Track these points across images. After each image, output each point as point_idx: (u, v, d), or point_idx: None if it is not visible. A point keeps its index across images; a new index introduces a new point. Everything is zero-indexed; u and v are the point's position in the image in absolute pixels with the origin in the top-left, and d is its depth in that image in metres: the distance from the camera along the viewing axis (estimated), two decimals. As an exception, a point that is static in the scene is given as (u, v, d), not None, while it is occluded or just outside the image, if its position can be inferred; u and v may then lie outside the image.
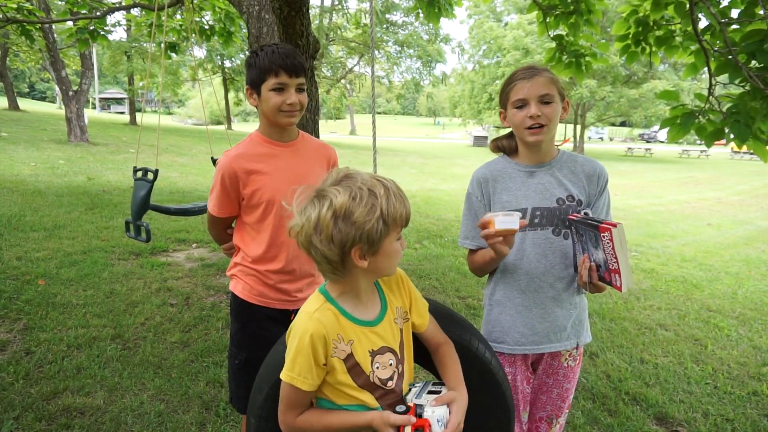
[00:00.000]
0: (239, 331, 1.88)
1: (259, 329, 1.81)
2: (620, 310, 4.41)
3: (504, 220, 1.33)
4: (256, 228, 1.79)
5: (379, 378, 1.19)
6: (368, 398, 1.18)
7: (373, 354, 1.19)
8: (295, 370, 1.11)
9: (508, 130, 1.64)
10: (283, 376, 1.13)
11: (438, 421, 1.12)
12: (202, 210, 4.19)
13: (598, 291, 1.46)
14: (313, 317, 1.14)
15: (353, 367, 1.16)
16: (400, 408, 1.15)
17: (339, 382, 1.16)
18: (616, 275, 1.30)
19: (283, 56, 1.66)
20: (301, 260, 1.80)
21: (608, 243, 1.29)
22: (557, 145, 1.62)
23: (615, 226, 1.28)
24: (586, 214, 1.52)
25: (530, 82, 1.47)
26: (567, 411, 1.70)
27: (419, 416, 1.14)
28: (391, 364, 1.21)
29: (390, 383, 1.20)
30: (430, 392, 1.22)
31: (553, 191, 1.54)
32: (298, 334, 1.13)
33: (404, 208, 1.12)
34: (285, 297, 1.83)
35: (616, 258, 1.28)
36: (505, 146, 1.64)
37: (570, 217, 1.49)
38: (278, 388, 1.23)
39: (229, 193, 1.75)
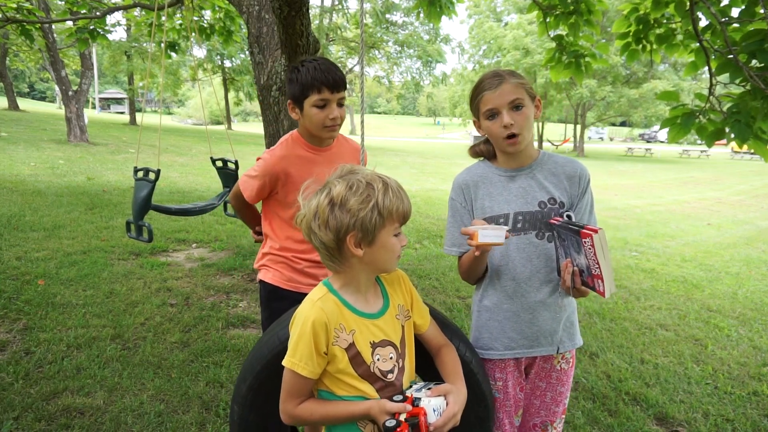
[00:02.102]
0: (269, 319, 1.96)
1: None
2: (620, 310, 4.41)
3: (488, 234, 1.32)
4: (290, 222, 1.89)
5: (379, 369, 1.21)
6: (368, 389, 1.20)
7: (374, 345, 1.21)
8: (297, 356, 1.14)
9: None
10: (285, 362, 1.16)
11: (434, 410, 1.14)
12: (203, 210, 4.20)
13: (581, 295, 1.43)
14: (316, 305, 1.17)
15: (354, 356, 1.19)
16: (398, 397, 1.17)
17: (340, 370, 1.18)
18: (599, 280, 1.28)
19: (325, 72, 1.71)
20: None
21: (590, 249, 1.27)
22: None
23: (596, 231, 1.25)
24: (569, 216, 1.49)
25: (497, 90, 1.44)
26: (562, 416, 1.67)
27: (415, 406, 1.15)
28: (391, 358, 1.23)
29: (390, 376, 1.22)
30: (429, 389, 1.23)
31: (534, 195, 1.53)
32: (300, 320, 1.16)
33: (401, 204, 1.15)
34: (314, 281, 1.91)
35: (598, 263, 1.27)
36: (484, 151, 1.63)
37: (551, 221, 1.46)
38: (261, 378, 1.30)
39: (264, 187, 1.85)
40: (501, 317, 1.57)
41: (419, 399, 1.16)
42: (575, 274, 1.38)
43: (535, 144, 1.85)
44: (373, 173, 1.17)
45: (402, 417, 1.11)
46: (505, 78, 1.46)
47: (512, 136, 1.46)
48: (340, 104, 1.79)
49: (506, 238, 1.34)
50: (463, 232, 1.38)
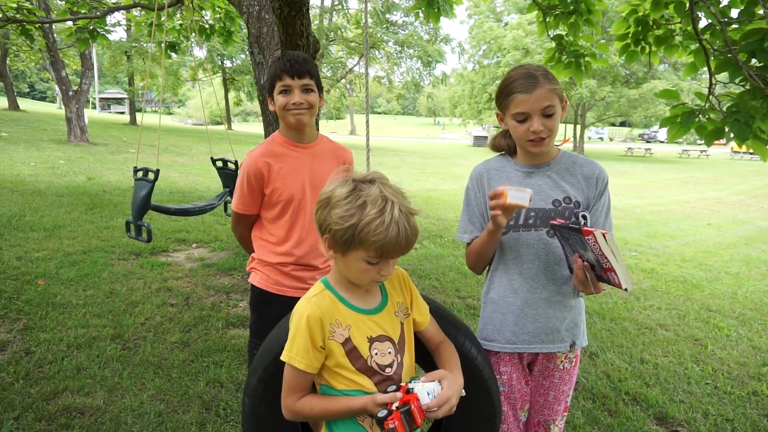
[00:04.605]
0: (257, 322, 1.98)
1: (277, 318, 1.86)
2: (620, 310, 4.41)
3: (517, 195, 1.34)
4: (274, 223, 1.90)
5: (377, 363, 1.22)
6: (366, 382, 1.21)
7: (372, 340, 1.23)
8: (294, 351, 1.17)
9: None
10: (283, 356, 1.19)
11: (428, 393, 1.15)
12: (203, 210, 4.20)
13: (598, 291, 1.42)
14: (311, 301, 1.20)
15: (351, 350, 1.20)
16: (391, 387, 1.19)
17: (338, 364, 1.20)
18: (612, 273, 1.30)
19: (285, 61, 1.80)
20: (315, 252, 1.92)
21: (594, 245, 1.29)
22: (557, 146, 1.62)
23: (600, 231, 1.27)
24: (584, 216, 1.51)
25: (531, 96, 1.42)
26: (565, 414, 1.69)
27: (408, 393, 1.16)
28: (390, 352, 1.24)
29: (389, 370, 1.23)
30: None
31: (549, 192, 1.54)
32: (296, 316, 1.20)
33: (384, 239, 1.08)
34: (301, 284, 1.91)
35: (606, 258, 1.29)
36: (503, 146, 1.63)
37: (552, 222, 1.47)
38: (270, 371, 1.33)
39: (253, 190, 1.86)
40: (505, 310, 1.59)
41: (413, 388, 1.17)
42: (587, 267, 1.39)
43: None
44: (386, 195, 1.11)
45: (394, 406, 1.13)
46: (540, 82, 1.43)
47: (539, 139, 1.46)
48: (306, 90, 1.83)
49: (530, 200, 1.36)
50: (493, 193, 1.37)
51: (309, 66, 1.82)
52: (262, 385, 1.37)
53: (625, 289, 1.31)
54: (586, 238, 1.29)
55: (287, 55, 1.83)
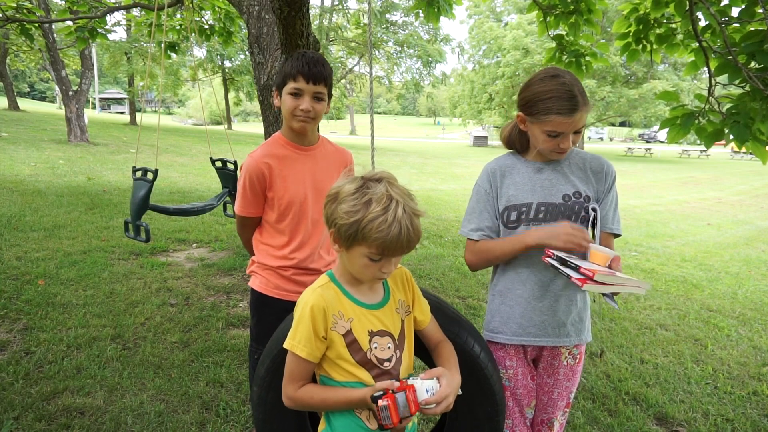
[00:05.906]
0: (257, 325, 1.97)
1: (278, 322, 1.85)
2: (620, 310, 4.41)
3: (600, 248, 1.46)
4: (275, 226, 1.88)
5: (376, 357, 1.25)
6: (365, 375, 1.23)
7: (372, 334, 1.25)
8: (296, 338, 1.20)
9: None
10: (285, 344, 1.21)
11: (427, 391, 1.17)
12: (201, 210, 4.20)
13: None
14: (316, 291, 1.24)
15: (352, 342, 1.23)
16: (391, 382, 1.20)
17: (338, 356, 1.22)
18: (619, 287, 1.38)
19: (304, 63, 1.72)
20: (316, 256, 1.91)
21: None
22: None
23: (591, 277, 1.30)
24: (594, 209, 1.55)
25: (571, 119, 1.43)
26: (567, 410, 1.70)
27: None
28: (389, 348, 1.27)
29: (387, 364, 1.26)
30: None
31: (559, 187, 1.56)
32: (300, 305, 1.23)
33: (385, 237, 1.11)
34: (301, 289, 1.89)
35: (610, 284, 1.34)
36: (516, 143, 1.65)
37: (544, 258, 1.46)
38: (278, 362, 1.36)
39: (256, 192, 1.83)
40: (512, 302, 1.61)
41: (411, 384, 1.19)
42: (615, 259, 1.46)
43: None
44: (392, 194, 1.13)
45: (391, 391, 1.15)
46: (579, 104, 1.43)
47: (563, 151, 1.51)
48: (317, 98, 1.76)
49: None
50: (595, 253, 1.44)
51: (326, 72, 1.76)
52: (270, 375, 1.41)
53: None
54: (582, 286, 1.34)
55: (307, 56, 1.73)
